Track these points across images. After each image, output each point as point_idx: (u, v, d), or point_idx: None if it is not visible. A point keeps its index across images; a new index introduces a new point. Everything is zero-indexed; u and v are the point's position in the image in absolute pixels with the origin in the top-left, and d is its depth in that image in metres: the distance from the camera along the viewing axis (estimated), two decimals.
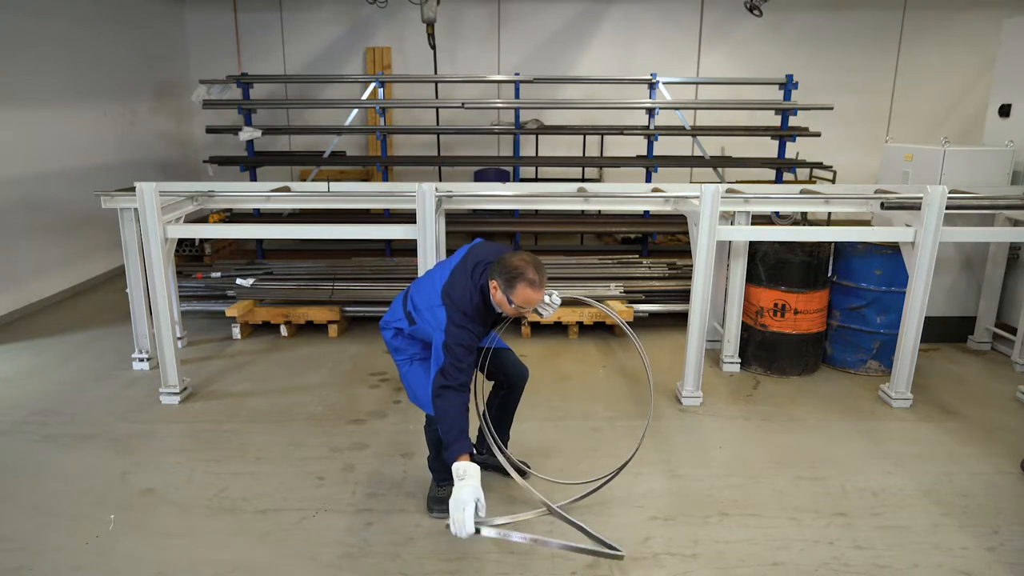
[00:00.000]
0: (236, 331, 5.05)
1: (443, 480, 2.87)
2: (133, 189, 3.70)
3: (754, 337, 4.46)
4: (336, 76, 7.76)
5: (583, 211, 7.51)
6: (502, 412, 3.09)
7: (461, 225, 6.35)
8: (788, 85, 6.81)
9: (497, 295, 2.57)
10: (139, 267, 4.23)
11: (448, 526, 2.28)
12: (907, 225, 3.84)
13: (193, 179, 7.74)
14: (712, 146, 8.12)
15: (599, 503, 2.98)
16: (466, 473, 2.31)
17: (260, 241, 6.98)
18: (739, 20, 8.26)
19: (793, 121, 6.87)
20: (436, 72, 7.79)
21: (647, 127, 6.79)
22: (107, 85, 6.80)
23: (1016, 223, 4.46)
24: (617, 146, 8.26)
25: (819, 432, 3.68)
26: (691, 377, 3.94)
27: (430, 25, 7.16)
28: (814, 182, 7.07)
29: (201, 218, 6.33)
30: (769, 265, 4.33)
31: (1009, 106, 5.12)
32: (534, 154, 7.91)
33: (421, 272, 3.75)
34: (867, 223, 5.15)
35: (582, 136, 7.69)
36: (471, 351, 2.56)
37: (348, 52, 8.59)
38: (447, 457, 2.41)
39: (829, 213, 5.53)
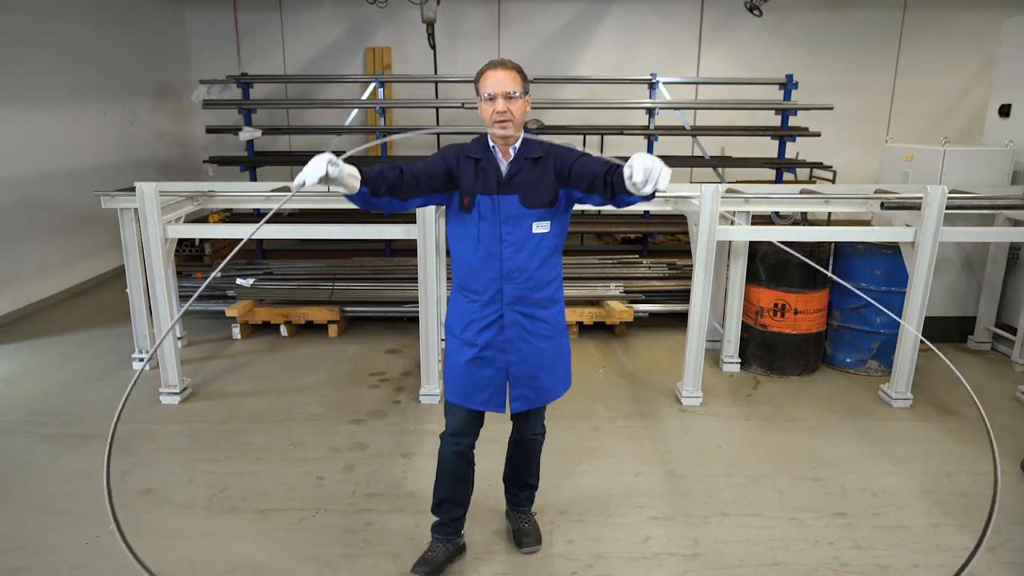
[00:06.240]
0: (236, 331, 5.05)
1: (439, 533, 2.57)
2: (133, 189, 3.70)
3: (754, 337, 4.46)
4: (336, 76, 7.76)
5: (583, 211, 7.50)
6: (509, 462, 2.72)
7: None
8: (788, 85, 6.80)
9: (478, 105, 2.35)
10: (139, 267, 4.23)
11: None
12: (907, 225, 3.84)
13: (193, 179, 7.70)
14: (712, 146, 8.11)
15: (599, 504, 2.98)
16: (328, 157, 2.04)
17: (260, 241, 6.97)
18: (739, 20, 8.26)
19: (793, 121, 6.86)
20: (436, 72, 7.78)
21: (647, 127, 6.79)
22: (107, 85, 6.80)
23: (1016, 223, 4.46)
24: (617, 146, 8.24)
25: (819, 432, 3.68)
26: (691, 377, 3.94)
27: (430, 25, 7.16)
28: (814, 182, 7.06)
29: (201, 218, 6.32)
30: (769, 265, 4.33)
31: (1009, 106, 5.11)
32: None
33: (421, 272, 3.80)
34: (867, 223, 5.14)
35: (582, 136, 7.68)
36: (417, 174, 2.29)
37: (348, 52, 8.58)
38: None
39: (829, 213, 5.52)
